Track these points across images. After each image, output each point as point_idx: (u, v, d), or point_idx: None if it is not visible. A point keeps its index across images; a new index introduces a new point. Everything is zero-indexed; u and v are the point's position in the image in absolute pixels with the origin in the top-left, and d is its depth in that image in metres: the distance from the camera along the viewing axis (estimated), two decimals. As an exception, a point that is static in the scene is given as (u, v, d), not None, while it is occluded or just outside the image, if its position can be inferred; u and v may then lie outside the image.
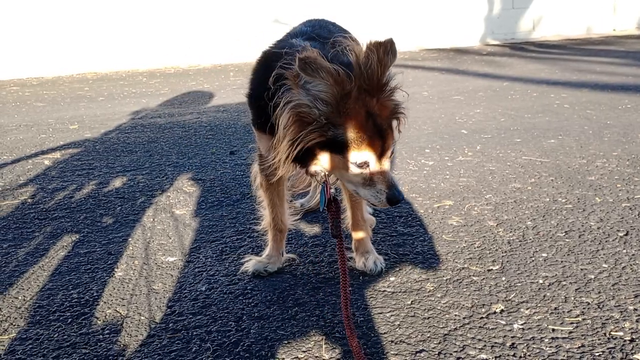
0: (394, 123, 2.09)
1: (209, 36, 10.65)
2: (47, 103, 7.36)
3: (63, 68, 10.11)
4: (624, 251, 2.63)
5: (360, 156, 1.99)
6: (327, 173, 2.22)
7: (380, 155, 2.02)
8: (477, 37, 11.93)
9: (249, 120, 2.51)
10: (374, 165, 2.02)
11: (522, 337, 2.02)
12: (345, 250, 2.30)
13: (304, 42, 2.27)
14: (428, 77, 8.19)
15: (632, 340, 1.97)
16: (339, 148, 1.99)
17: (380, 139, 1.99)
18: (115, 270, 2.67)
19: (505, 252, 2.68)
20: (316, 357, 1.98)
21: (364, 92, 1.95)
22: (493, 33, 11.98)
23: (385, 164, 2.06)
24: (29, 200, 3.64)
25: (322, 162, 2.07)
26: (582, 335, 2.02)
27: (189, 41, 10.59)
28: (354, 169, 2.03)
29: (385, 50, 1.92)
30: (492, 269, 2.52)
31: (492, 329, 2.08)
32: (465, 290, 2.36)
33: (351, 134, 1.95)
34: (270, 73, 2.10)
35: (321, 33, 2.47)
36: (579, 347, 1.95)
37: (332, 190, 2.31)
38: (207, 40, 10.67)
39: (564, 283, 2.38)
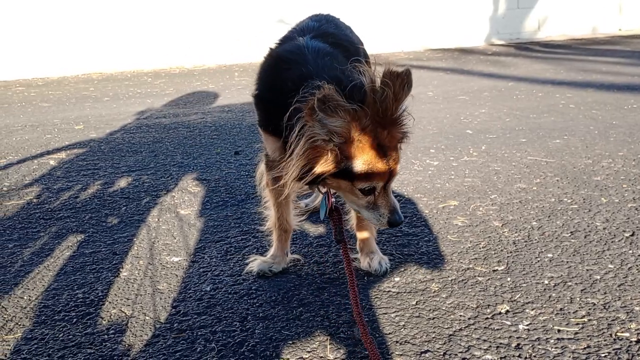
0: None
1: (214, 36, 10.67)
2: (53, 103, 7.39)
3: (68, 68, 10.14)
4: (630, 252, 2.62)
5: (368, 185, 2.04)
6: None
7: (386, 183, 2.08)
8: (482, 37, 11.92)
9: (254, 121, 2.51)
10: (379, 192, 2.08)
11: (527, 338, 2.02)
12: (349, 253, 2.33)
13: (311, 41, 2.28)
14: (433, 77, 8.18)
15: (638, 341, 1.96)
16: (347, 175, 2.02)
17: (388, 168, 2.03)
18: (120, 270, 2.68)
19: (511, 252, 2.68)
20: (321, 357, 1.98)
21: (376, 124, 1.96)
22: (498, 33, 11.97)
23: (389, 190, 2.12)
24: (35, 200, 3.65)
25: (330, 185, 2.12)
26: (588, 336, 2.01)
27: (193, 41, 10.61)
28: (360, 195, 2.08)
29: (401, 83, 1.92)
30: (497, 270, 2.52)
31: (498, 329, 2.08)
32: (470, 290, 2.36)
33: (362, 165, 1.99)
34: (279, 77, 2.17)
35: (328, 29, 2.47)
36: (584, 348, 1.95)
37: (333, 200, 2.35)
38: (212, 40, 10.68)
39: (569, 284, 2.37)
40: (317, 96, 1.83)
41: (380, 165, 2.00)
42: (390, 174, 2.05)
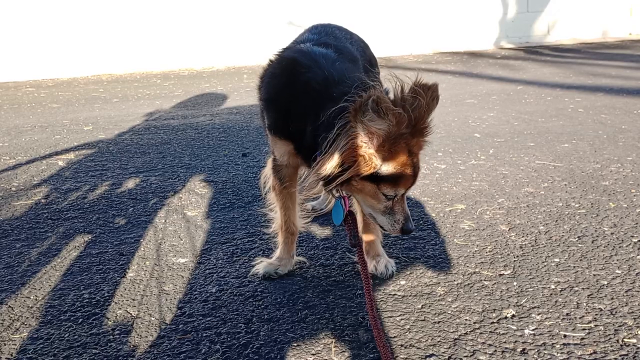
0: None
1: (223, 39, 10.69)
2: (62, 104, 7.43)
3: (78, 69, 10.20)
4: (638, 257, 2.60)
5: (394, 190, 2.09)
6: (349, 194, 2.29)
7: (407, 190, 2.14)
8: (492, 40, 11.89)
9: (260, 124, 2.52)
10: (398, 198, 2.14)
11: (533, 343, 2.01)
12: (365, 257, 2.37)
13: (314, 47, 2.31)
14: (441, 80, 8.16)
15: (645, 348, 1.95)
16: (376, 179, 2.06)
17: (413, 176, 2.10)
18: (127, 271, 2.69)
19: (517, 256, 2.67)
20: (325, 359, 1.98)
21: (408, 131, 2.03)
22: (507, 36, 11.93)
23: (405, 198, 2.18)
24: (43, 200, 3.67)
25: (353, 187, 2.14)
26: (595, 341, 2.00)
27: (203, 43, 10.64)
28: (382, 199, 2.12)
29: (432, 95, 1.99)
30: (503, 274, 2.51)
31: (503, 334, 2.07)
32: (476, 294, 2.35)
33: (393, 169, 2.04)
34: (298, 80, 2.21)
35: (328, 41, 2.49)
36: (591, 354, 1.93)
37: (349, 204, 2.37)
38: (221, 42, 10.71)
39: (576, 289, 2.35)
40: (372, 97, 1.89)
41: (408, 171, 2.06)
42: (413, 182, 2.12)
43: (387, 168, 2.03)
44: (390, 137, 1.97)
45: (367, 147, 1.99)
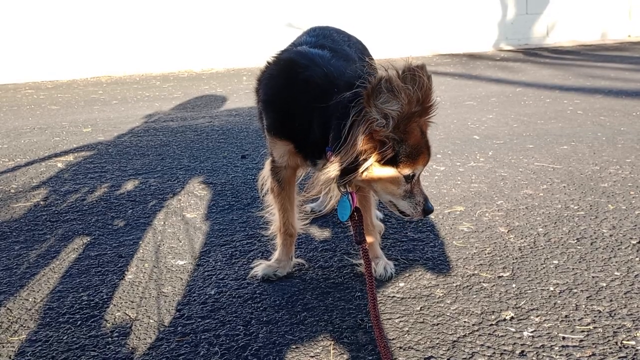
0: None
1: (222, 40, 10.70)
2: (61, 106, 7.43)
3: (78, 71, 10.20)
4: (637, 259, 2.60)
5: (412, 170, 2.13)
6: (358, 185, 2.29)
7: (424, 167, 2.18)
8: (491, 42, 11.90)
9: (259, 126, 2.52)
10: (415, 180, 2.17)
11: (532, 345, 2.00)
12: (369, 255, 2.37)
13: (311, 49, 2.33)
14: (441, 82, 8.17)
15: (643, 350, 1.95)
16: (395, 162, 2.09)
17: (428, 155, 2.15)
18: (126, 273, 2.68)
19: (516, 258, 2.67)
20: (324, 362, 1.98)
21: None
22: (506, 38, 11.94)
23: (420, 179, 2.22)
24: (42, 202, 3.67)
25: (371, 177, 2.14)
26: (593, 344, 2.00)
27: (202, 45, 10.64)
28: (402, 182, 2.15)
29: (427, 74, 2.01)
30: (502, 276, 2.51)
31: (502, 336, 2.07)
32: (475, 296, 2.35)
33: (410, 149, 2.08)
34: (297, 79, 2.23)
35: (325, 43, 2.50)
36: (589, 356, 1.93)
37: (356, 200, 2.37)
38: (221, 44, 10.71)
39: (575, 291, 2.35)
40: (383, 78, 1.94)
41: (423, 148, 2.12)
42: (429, 158, 2.17)
43: (406, 148, 2.06)
44: (403, 117, 2.01)
45: (385, 131, 2.02)
